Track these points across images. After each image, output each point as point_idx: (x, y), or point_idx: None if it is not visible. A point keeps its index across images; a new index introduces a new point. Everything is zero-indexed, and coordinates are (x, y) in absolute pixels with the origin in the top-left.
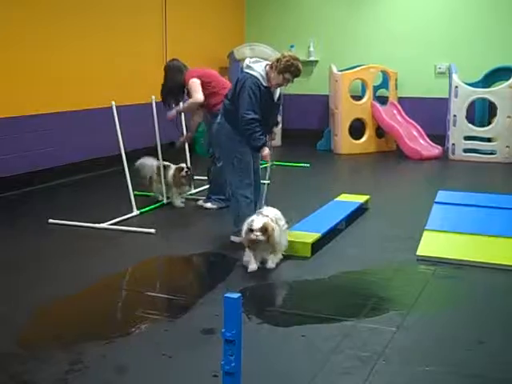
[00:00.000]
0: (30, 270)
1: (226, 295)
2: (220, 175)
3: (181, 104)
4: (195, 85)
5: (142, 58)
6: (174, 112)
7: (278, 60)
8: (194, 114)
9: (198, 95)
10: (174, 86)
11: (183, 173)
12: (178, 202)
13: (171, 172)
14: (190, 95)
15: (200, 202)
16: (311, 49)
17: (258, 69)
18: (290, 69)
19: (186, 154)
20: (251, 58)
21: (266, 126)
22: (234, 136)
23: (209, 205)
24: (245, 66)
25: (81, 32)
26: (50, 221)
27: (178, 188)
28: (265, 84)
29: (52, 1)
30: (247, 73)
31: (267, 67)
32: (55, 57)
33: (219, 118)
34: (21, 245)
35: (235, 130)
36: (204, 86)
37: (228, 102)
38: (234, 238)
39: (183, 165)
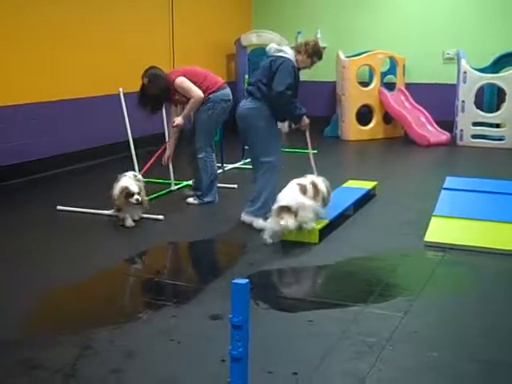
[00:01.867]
0: (39, 256)
1: (234, 281)
2: (199, 169)
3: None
4: (186, 83)
5: (149, 46)
6: (179, 119)
7: (305, 44)
8: (171, 137)
9: (197, 92)
10: (159, 92)
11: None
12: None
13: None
14: (178, 97)
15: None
16: (318, 35)
17: (289, 52)
18: (318, 53)
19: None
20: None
21: None
22: (273, 119)
23: (191, 200)
24: (273, 50)
25: (88, 20)
26: (59, 207)
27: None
28: (297, 66)
29: None
30: (281, 56)
31: (293, 51)
32: (62, 45)
33: (251, 102)
34: (29, 231)
35: (274, 114)
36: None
37: (265, 87)
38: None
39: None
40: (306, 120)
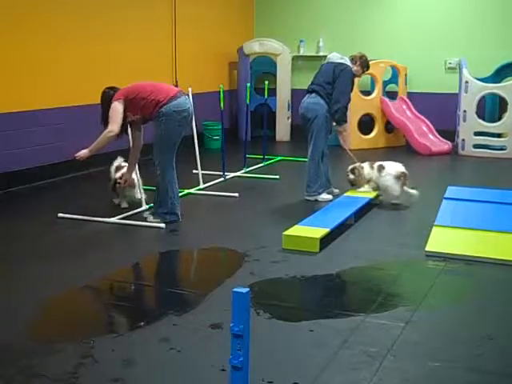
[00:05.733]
0: (40, 263)
1: (235, 290)
2: (162, 185)
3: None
4: (115, 112)
5: (152, 54)
6: (85, 152)
7: (361, 57)
8: (132, 157)
9: (114, 126)
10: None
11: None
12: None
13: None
14: (130, 117)
15: (145, 214)
16: (321, 44)
17: (348, 61)
18: (368, 66)
19: (195, 150)
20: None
21: None
22: (328, 116)
23: (152, 218)
24: (336, 57)
25: (89, 27)
26: (60, 215)
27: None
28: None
29: None
30: (343, 63)
31: (349, 60)
32: (66, 53)
33: (315, 98)
34: (30, 238)
35: (328, 108)
36: (132, 102)
37: (329, 86)
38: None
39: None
40: (345, 127)
